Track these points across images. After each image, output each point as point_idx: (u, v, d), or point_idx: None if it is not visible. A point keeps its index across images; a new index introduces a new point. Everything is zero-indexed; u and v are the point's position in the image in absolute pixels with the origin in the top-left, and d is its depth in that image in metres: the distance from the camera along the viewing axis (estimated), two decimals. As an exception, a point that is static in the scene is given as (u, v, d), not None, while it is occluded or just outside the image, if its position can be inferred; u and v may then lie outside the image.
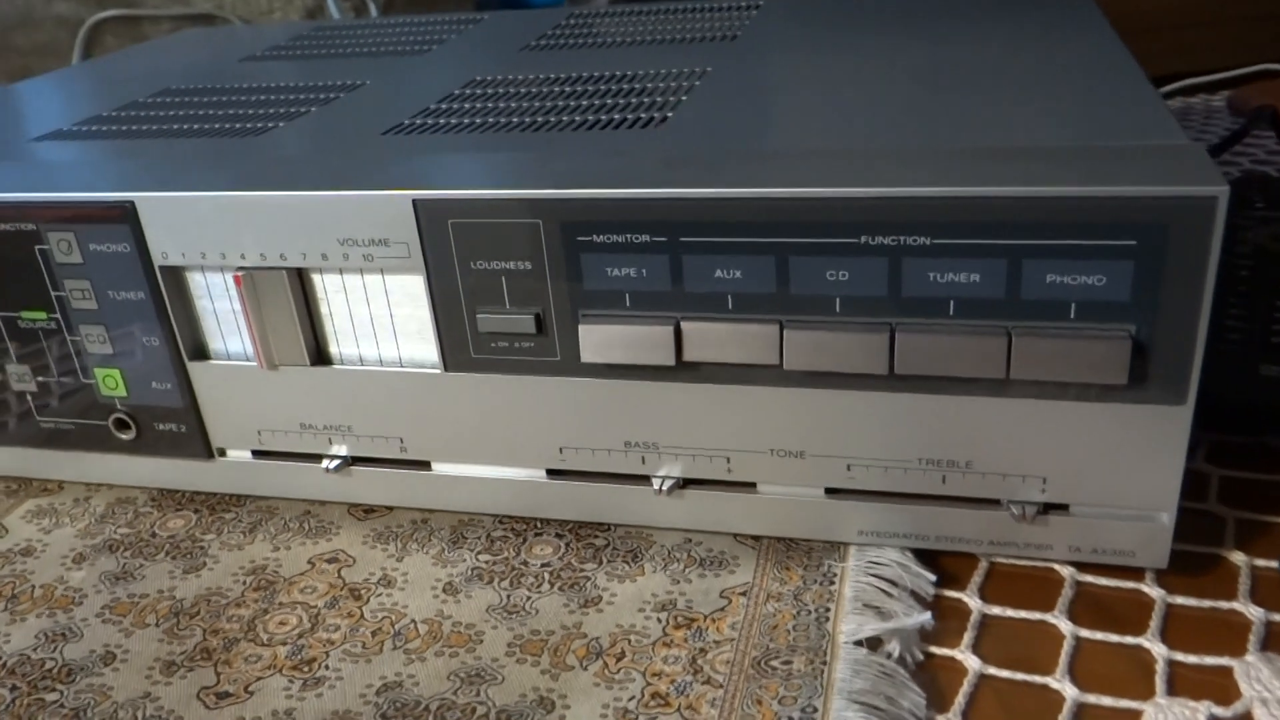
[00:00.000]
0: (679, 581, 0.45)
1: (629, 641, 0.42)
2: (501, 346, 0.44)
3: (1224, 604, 0.42)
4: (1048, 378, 0.38)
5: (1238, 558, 0.44)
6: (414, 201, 0.42)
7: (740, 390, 0.43)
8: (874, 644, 0.41)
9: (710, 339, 0.41)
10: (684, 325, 0.41)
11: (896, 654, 0.40)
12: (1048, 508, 0.42)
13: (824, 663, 0.39)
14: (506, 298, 0.43)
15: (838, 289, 0.40)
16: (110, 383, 0.51)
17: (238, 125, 0.56)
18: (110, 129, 0.58)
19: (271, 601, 0.46)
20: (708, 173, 0.41)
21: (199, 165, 0.49)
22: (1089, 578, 0.43)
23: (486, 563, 0.47)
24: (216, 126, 0.56)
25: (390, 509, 0.52)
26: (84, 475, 0.55)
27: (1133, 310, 0.37)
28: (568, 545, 0.48)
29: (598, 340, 0.42)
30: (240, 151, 0.51)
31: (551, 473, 0.48)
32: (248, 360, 0.49)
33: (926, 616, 0.41)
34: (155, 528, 0.52)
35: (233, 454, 0.52)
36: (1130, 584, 0.43)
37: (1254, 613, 0.41)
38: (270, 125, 0.56)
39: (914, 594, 0.43)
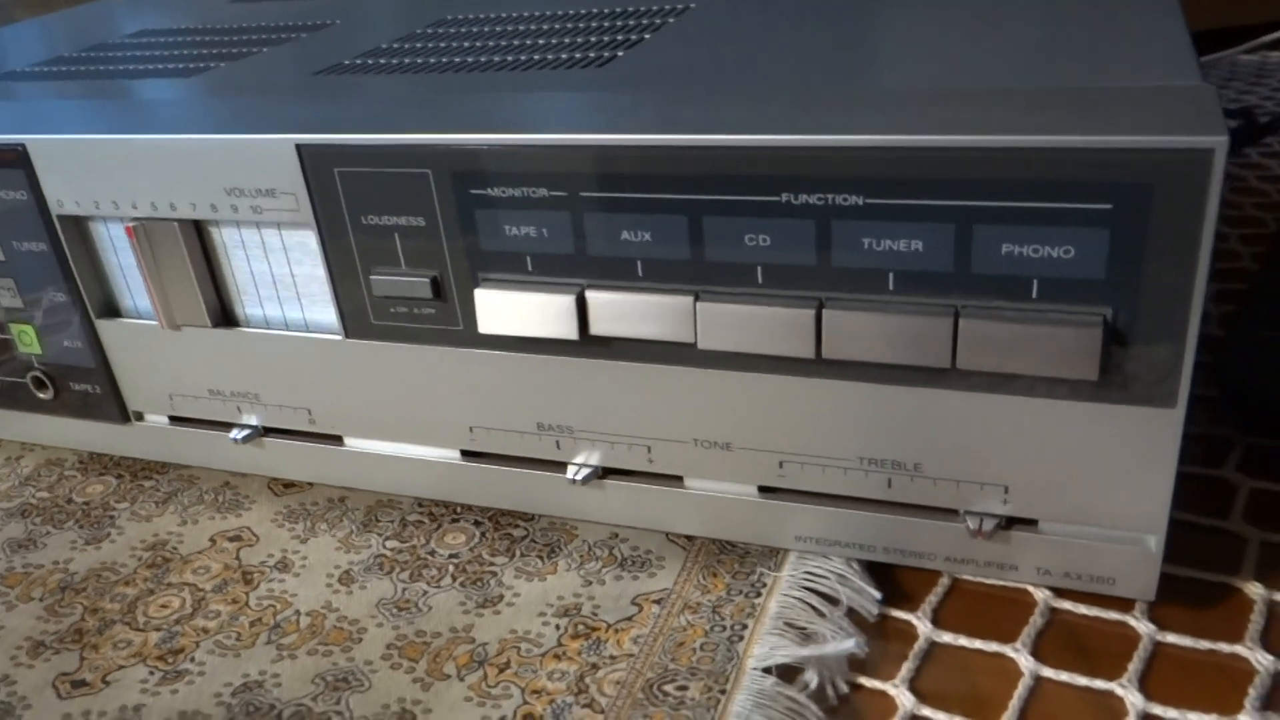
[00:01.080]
0: (591, 583, 0.40)
1: (518, 651, 0.37)
2: (401, 313, 0.40)
3: (1226, 647, 0.34)
4: (1001, 369, 0.32)
5: (1254, 590, 0.37)
6: (297, 147, 0.38)
7: (656, 371, 0.37)
8: (793, 672, 0.35)
9: (618, 311, 0.36)
10: (589, 294, 0.36)
11: (814, 685, 0.34)
12: (1011, 522, 0.36)
13: (723, 691, 0.34)
14: (402, 258, 0.38)
15: (759, 256, 0.33)
16: (25, 339, 0.48)
17: (172, 66, 0.52)
18: (61, 70, 0.55)
19: (161, 581, 0.42)
20: (619, 117, 0.35)
21: (102, 108, 0.45)
22: (1067, 604, 0.37)
23: (392, 550, 0.43)
24: (151, 68, 0.53)
25: (311, 485, 0.48)
26: (16, 434, 0.53)
27: (1108, 290, 0.30)
28: (483, 535, 0.43)
29: (495, 308, 0.37)
30: (154, 93, 0.47)
31: (466, 454, 0.43)
32: (154, 320, 0.45)
33: (851, 643, 0.35)
34: (73, 493, 0.49)
35: (150, 419, 0.48)
36: (1115, 615, 0.36)
37: (1261, 660, 0.34)
38: (208, 66, 0.52)
39: (852, 613, 0.37)
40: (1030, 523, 0.35)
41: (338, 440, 0.45)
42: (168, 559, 0.44)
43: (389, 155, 0.36)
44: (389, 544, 0.43)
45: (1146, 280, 0.30)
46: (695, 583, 0.39)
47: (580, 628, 0.38)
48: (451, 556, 0.42)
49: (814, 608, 0.37)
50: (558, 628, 0.38)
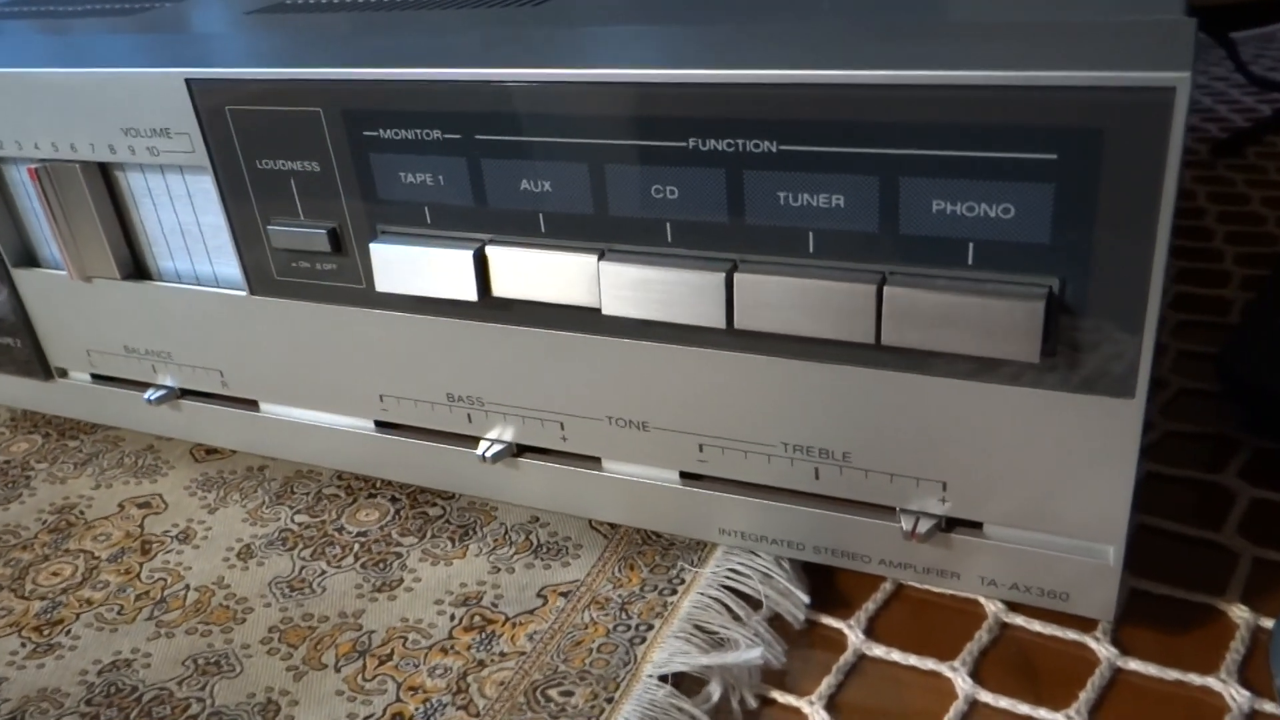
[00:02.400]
0: (499, 570, 0.36)
1: (404, 642, 0.33)
2: (303, 268, 0.36)
3: (1197, 678, 0.30)
4: (931, 346, 0.27)
5: (1239, 613, 0.32)
6: (187, 81, 0.34)
7: (564, 339, 0.33)
8: (700, 682, 0.31)
9: (519, 270, 0.32)
10: (489, 251, 0.32)
11: (716, 698, 0.30)
12: (953, 524, 0.31)
13: (610, 700, 0.30)
14: (299, 207, 0.35)
15: (666, 210, 0.30)
16: (-51, 288, 0.46)
17: (116, 5, 0.50)
18: (8, 10, 0.53)
19: (59, 547, 0.40)
20: (522, 52, 0.31)
21: (20, 43, 0.42)
22: (1020, 620, 0.32)
23: (300, 525, 0.40)
24: (95, 7, 0.50)
25: (234, 453, 0.45)
26: (-47, 388, 0.51)
27: (1054, 256, 0.26)
28: (398, 513, 0.40)
29: (392, 265, 0.34)
30: (82, 31, 0.44)
31: (380, 426, 0.40)
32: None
33: (757, 653, 0.31)
34: (-2, 451, 0.47)
35: (75, 376, 0.46)
36: (1073, 635, 0.32)
37: (1235, 696, 0.29)
38: (155, 5, 0.49)
39: (778, 619, 0.33)
40: (974, 526, 0.31)
41: (253, 405, 0.42)
42: (72, 524, 0.41)
43: (278, 92, 0.33)
44: (298, 518, 0.40)
45: (1098, 245, 0.25)
46: (609, 575, 0.35)
47: (476, 619, 0.34)
48: (359, 534, 0.39)
49: (731, 610, 0.33)
50: (452, 618, 0.34)
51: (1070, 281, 0.26)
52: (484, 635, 0.33)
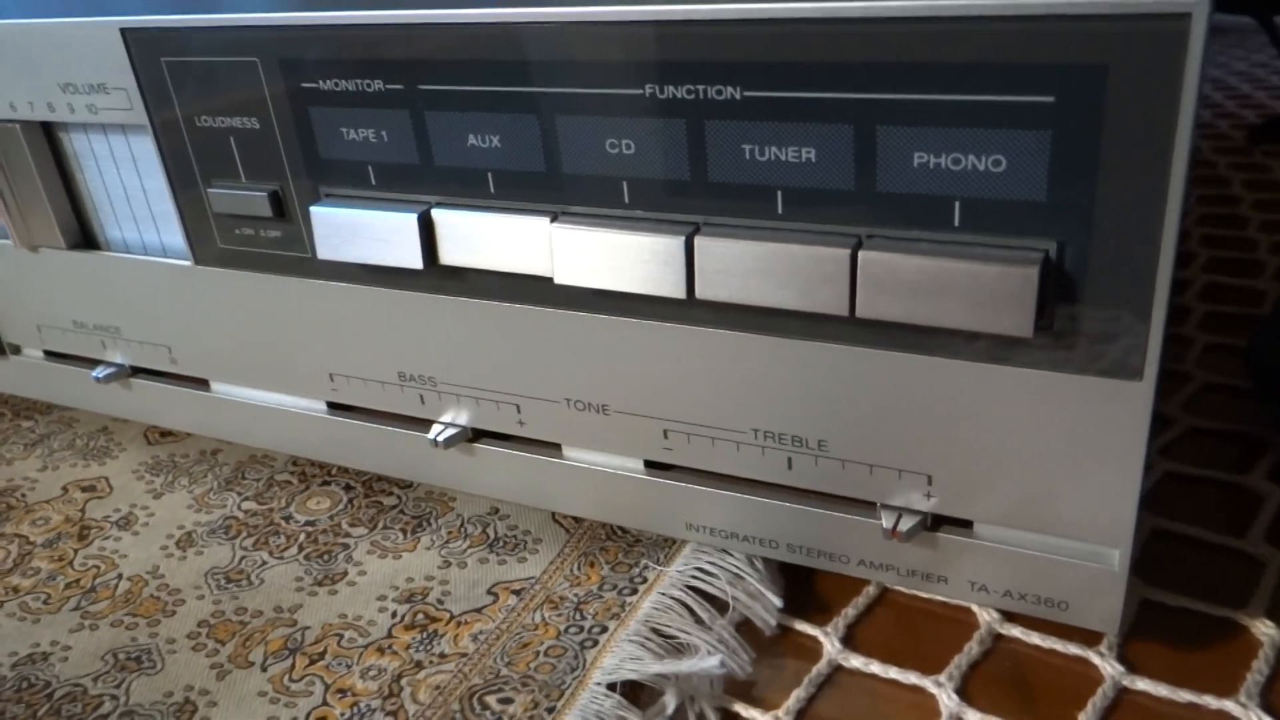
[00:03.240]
0: (450, 565, 0.33)
1: (339, 640, 0.31)
2: (247, 235, 0.34)
3: (1213, 701, 0.26)
4: (911, 319, 0.24)
5: (1263, 630, 0.28)
6: (122, 31, 0.32)
7: (516, 312, 0.30)
8: (655, 692, 0.28)
9: (466, 234, 0.29)
10: (435, 214, 0.30)
11: (671, 710, 0.27)
12: (939, 522, 0.28)
13: (550, 709, 0.27)
14: (240, 168, 0.33)
15: (624, 167, 0.27)
16: (-99, 259, 0.44)
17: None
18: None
19: (-6, 531, 0.38)
20: (472, -5, 0.28)
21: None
22: (1018, 631, 0.29)
23: (246, 513, 0.37)
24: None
25: (188, 435, 0.43)
26: (-87, 365, 0.49)
27: (1051, 215, 0.22)
28: (350, 502, 0.37)
29: (332, 230, 0.31)
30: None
31: (332, 407, 0.37)
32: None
33: (714, 661, 0.28)
34: (-50, 431, 0.45)
35: (28, 352, 0.44)
36: (1075, 649, 0.28)
37: (1257, 723, 0.26)
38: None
39: (747, 624, 0.30)
40: (963, 524, 0.28)
41: (204, 385, 0.39)
42: (12, 507, 0.39)
43: (214, 41, 0.31)
44: (245, 505, 0.38)
45: (1101, 202, 0.22)
46: (567, 573, 0.32)
47: (419, 617, 0.31)
48: (308, 524, 0.36)
49: (694, 613, 0.30)
50: (394, 615, 0.31)
51: (1070, 244, 0.23)
52: (425, 635, 0.30)
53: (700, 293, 0.26)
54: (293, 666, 0.30)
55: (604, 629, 0.30)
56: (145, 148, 0.35)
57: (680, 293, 0.27)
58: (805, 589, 0.31)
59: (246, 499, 0.38)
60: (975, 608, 0.30)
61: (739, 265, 0.26)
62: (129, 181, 0.36)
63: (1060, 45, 0.21)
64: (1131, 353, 0.23)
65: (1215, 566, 0.31)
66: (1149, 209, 0.21)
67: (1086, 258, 0.23)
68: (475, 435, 0.34)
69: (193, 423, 0.41)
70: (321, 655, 0.30)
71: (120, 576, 0.35)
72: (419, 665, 0.29)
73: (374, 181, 0.30)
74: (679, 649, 0.29)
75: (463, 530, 0.35)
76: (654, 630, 0.29)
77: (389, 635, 0.31)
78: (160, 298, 0.37)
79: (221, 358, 0.37)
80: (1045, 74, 0.21)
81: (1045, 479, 0.25)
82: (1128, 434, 0.24)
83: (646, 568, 0.32)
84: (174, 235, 0.36)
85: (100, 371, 0.40)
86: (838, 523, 0.29)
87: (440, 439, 0.33)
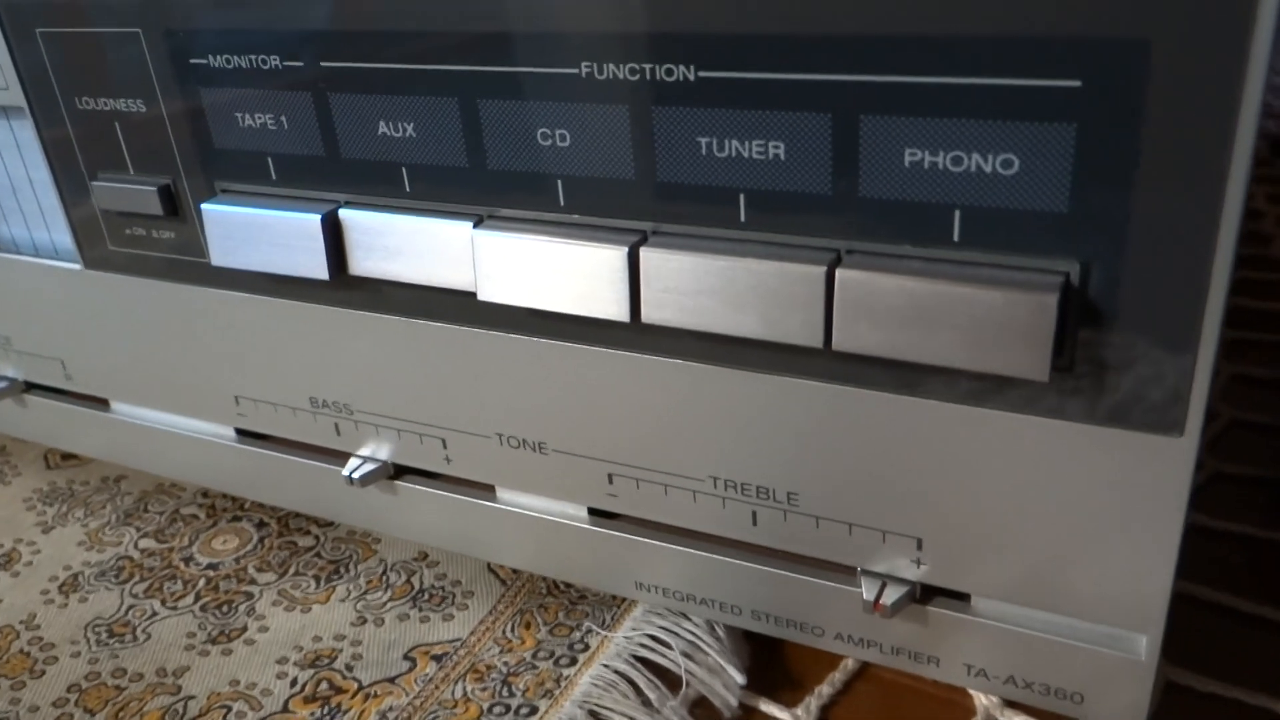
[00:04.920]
0: (366, 621, 0.29)
1: (226, 714, 0.26)
2: (139, 236, 0.29)
3: (1256, 817, 0.22)
4: (899, 354, 0.20)
5: (1313, 725, 0.24)
6: (-9, -2, 0.28)
7: (439, 332, 0.26)
8: (588, 786, 0.23)
9: (378, 240, 0.25)
10: (343, 216, 0.25)
11: (605, 816, 0.23)
12: (930, 593, 0.24)
13: (459, 815, 0.23)
14: (128, 157, 0.28)
15: (557, 162, 0.22)
16: None
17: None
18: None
19: None
20: (388, -43, 0.24)
21: None
22: (1021, 719, 0.25)
23: (144, 551, 0.33)
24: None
25: (92, 460, 0.38)
26: None
27: (1073, 228, 0.18)
28: (262, 541, 0.33)
29: (227, 232, 0.27)
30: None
31: (242, 434, 0.32)
32: (-107, 236, 0.36)
33: (658, 761, 0.23)
34: None
35: (-81, 363, 0.39)
36: (1089, 745, 0.24)
37: None
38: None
39: (703, 703, 0.25)
40: (959, 598, 0.23)
41: (104, 404, 0.35)
42: (-118, 540, 0.34)
43: (93, 7, 0.26)
44: (143, 543, 0.33)
45: (1139, 213, 0.17)
46: (498, 634, 0.28)
47: (322, 687, 0.27)
48: (209, 567, 0.32)
49: (640, 691, 0.25)
50: (294, 683, 0.27)
51: (1096, 265, 0.18)
52: (326, 709, 0.26)
53: (647, 315, 0.22)
54: (166, 746, 0.25)
55: (533, 710, 0.25)
56: (27, 133, 0.31)
57: (623, 314, 0.22)
58: (773, 661, 0.27)
59: (145, 535, 0.33)
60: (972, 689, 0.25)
61: (692, 283, 0.21)
62: (14, 172, 0.32)
63: (1090, 15, 0.16)
64: (1171, 402, 0.19)
65: (1249, 642, 0.26)
66: (1199, 223, 0.17)
67: (1117, 282, 0.18)
68: (398, 472, 0.30)
69: (93, 446, 0.36)
70: (202, 732, 0.26)
71: (-12, 627, 0.30)
72: (313, 748, 0.25)
73: (274, 176, 0.26)
74: (620, 736, 0.24)
75: (384, 579, 0.31)
76: (591, 714, 0.25)
77: (284, 710, 0.26)
78: (50, 305, 0.33)
79: (120, 374, 0.33)
80: (1070, 51, 0.17)
81: (1059, 549, 0.21)
82: (1163, 499, 0.19)
83: (589, 632, 0.27)
84: (64, 234, 0.32)
85: (-12, 387, 0.36)
86: (811, 589, 0.25)
87: (356, 476, 0.29)
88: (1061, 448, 0.20)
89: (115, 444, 0.35)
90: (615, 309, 0.22)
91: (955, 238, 0.19)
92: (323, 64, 0.24)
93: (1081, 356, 0.19)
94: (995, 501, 0.21)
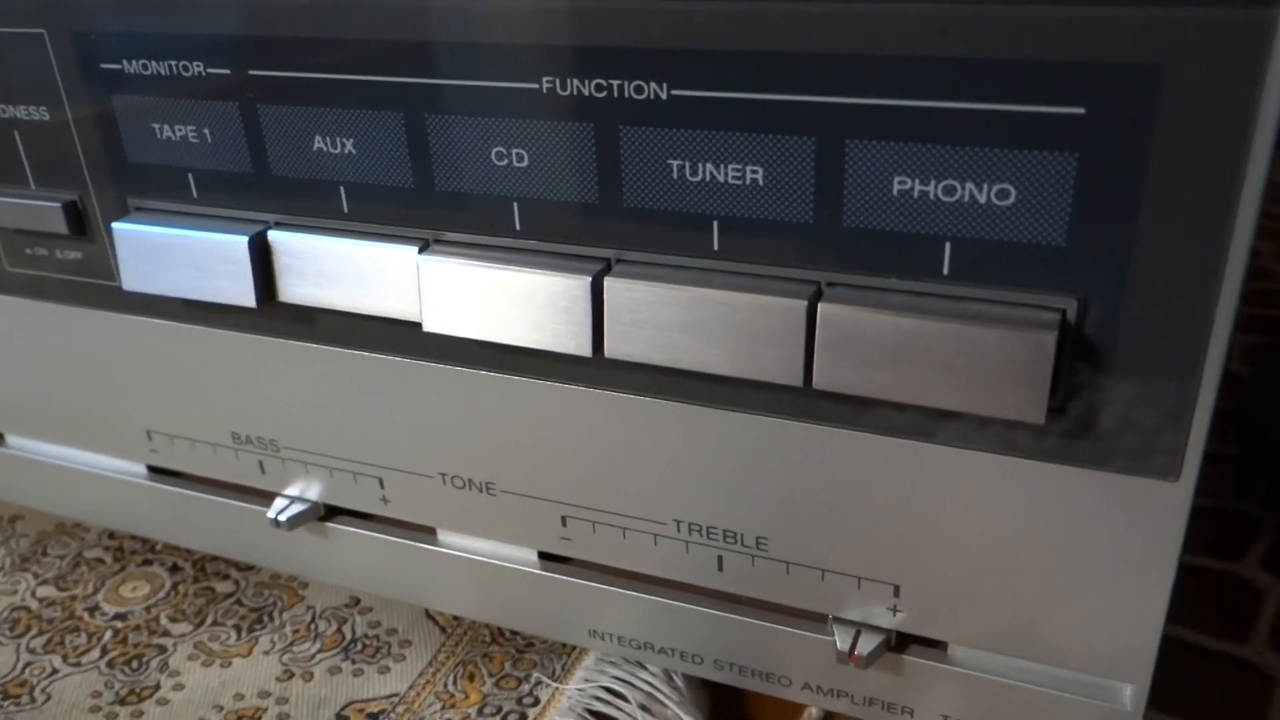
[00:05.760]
0: (293, 676, 0.27)
1: (136, 784, 0.24)
2: (40, 256, 0.27)
3: None
4: (884, 394, 0.18)
5: (1286, 768, 0.23)
6: (-128, -9, 0.25)
7: (378, 364, 0.24)
8: None
9: (312, 265, 0.23)
10: (272, 238, 0.23)
11: None
12: (905, 640, 0.22)
13: None
14: (29, 170, 0.26)
15: (512, 183, 0.21)
16: None
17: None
18: None
19: None
20: (324, -42, 0.22)
21: None
22: (993, 769, 0.24)
23: (42, 600, 0.30)
24: None
25: (-16, 495, 0.35)
26: None
27: (1072, 264, 0.17)
28: (175, 587, 0.30)
29: (140, 254, 0.24)
30: None
31: (154, 472, 0.30)
32: None
33: (622, 831, 0.21)
34: None
35: None
36: (1066, 795, 0.23)
37: None
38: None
39: (661, 760, 0.24)
40: (935, 645, 0.22)
41: (-3, 438, 0.32)
42: None
43: (-11, 6, 0.24)
44: (41, 590, 0.30)
45: (1141, 248, 0.17)
46: (440, 688, 0.26)
47: (245, 751, 0.25)
48: (117, 617, 0.29)
49: (595, 749, 0.24)
50: (213, 748, 0.25)
51: (1094, 302, 0.17)
52: (250, 777, 0.24)
53: (611, 350, 0.20)
54: (69, 824, 0.23)
55: (481, 773, 0.23)
56: (-85, 142, 0.28)
57: (585, 349, 0.21)
58: (736, 712, 0.25)
59: (44, 582, 0.31)
60: (941, 736, 0.24)
61: (661, 316, 0.20)
62: (-103, 184, 0.29)
63: (1097, 39, 0.16)
64: (1169, 445, 0.18)
65: (1217, 678, 0.26)
66: (1205, 259, 0.16)
67: (1116, 320, 0.17)
68: (328, 513, 0.27)
69: (-16, 483, 0.33)
70: (109, 808, 0.23)
71: None
72: (236, 824, 0.23)
73: (195, 193, 0.24)
74: (576, 800, 0.23)
75: (313, 628, 0.28)
76: (544, 776, 0.23)
77: (202, 778, 0.24)
78: (-63, 330, 0.30)
79: (13, 405, 0.30)
80: (1075, 76, 0.16)
81: (1044, 595, 0.20)
82: (1156, 545, 0.19)
83: (539, 684, 0.26)
84: (-45, 253, 0.29)
85: None
86: (778, 637, 0.23)
87: (283, 518, 0.27)
88: (1051, 491, 0.19)
89: (9, 481, 0.32)
90: (575, 343, 0.21)
91: (945, 271, 0.18)
92: (252, 73, 0.22)
93: (1074, 397, 0.18)
94: (979, 546, 0.20)
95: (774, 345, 0.19)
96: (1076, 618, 0.20)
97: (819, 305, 0.18)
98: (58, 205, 0.25)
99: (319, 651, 0.27)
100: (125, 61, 0.23)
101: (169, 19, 0.22)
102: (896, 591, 0.21)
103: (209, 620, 0.29)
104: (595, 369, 0.21)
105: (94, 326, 0.27)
